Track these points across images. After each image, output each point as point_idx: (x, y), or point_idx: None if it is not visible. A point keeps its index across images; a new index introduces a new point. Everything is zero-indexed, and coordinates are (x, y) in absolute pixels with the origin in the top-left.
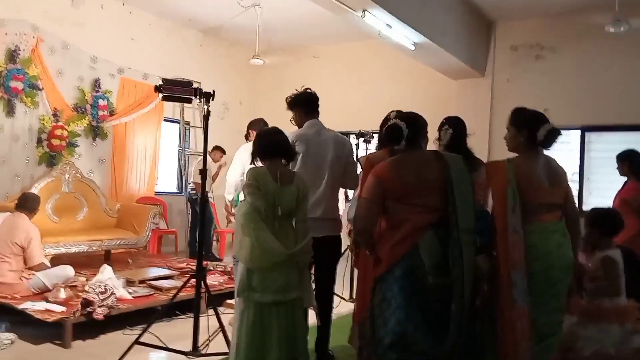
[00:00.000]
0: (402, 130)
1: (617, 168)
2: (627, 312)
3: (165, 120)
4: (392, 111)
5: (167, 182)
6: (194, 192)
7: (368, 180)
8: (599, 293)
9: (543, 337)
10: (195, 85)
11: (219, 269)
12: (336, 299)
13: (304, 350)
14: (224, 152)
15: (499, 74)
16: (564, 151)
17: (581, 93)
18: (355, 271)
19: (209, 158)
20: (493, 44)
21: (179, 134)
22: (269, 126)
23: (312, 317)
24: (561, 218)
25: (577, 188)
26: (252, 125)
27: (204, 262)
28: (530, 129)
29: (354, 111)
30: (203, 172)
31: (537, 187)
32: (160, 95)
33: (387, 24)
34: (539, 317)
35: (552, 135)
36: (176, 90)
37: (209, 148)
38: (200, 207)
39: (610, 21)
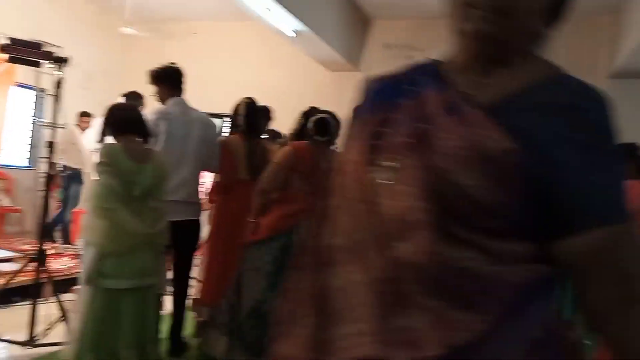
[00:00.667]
0: (333, 126)
1: None
2: None
3: (18, 85)
4: (244, 98)
5: (16, 154)
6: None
7: (285, 150)
8: None
9: None
10: (55, 50)
11: (69, 252)
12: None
13: (154, 337)
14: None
15: (373, 69)
16: None
17: None
18: None
19: (76, 128)
20: (369, 41)
21: (35, 102)
22: (141, 100)
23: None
24: None
25: None
26: (127, 98)
27: (52, 244)
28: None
29: (231, 93)
30: (49, 145)
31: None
32: (7, 56)
33: (267, 8)
34: None
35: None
36: (24, 52)
37: (74, 116)
38: (45, 183)
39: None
